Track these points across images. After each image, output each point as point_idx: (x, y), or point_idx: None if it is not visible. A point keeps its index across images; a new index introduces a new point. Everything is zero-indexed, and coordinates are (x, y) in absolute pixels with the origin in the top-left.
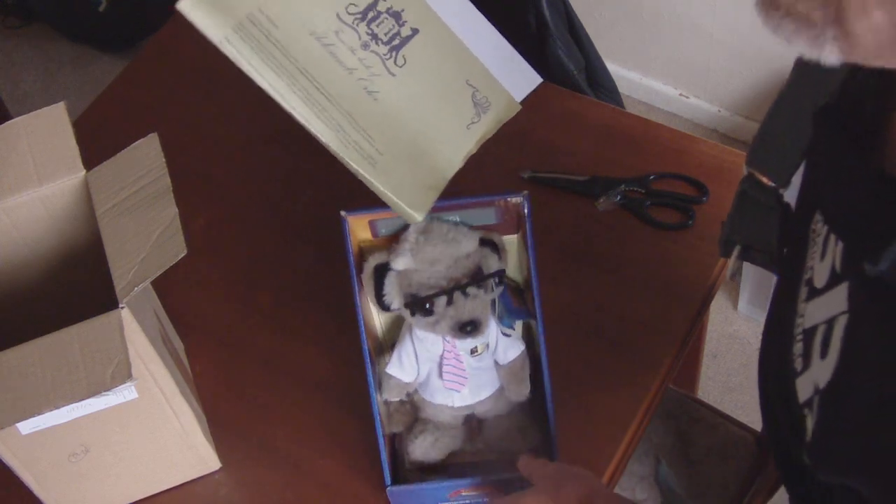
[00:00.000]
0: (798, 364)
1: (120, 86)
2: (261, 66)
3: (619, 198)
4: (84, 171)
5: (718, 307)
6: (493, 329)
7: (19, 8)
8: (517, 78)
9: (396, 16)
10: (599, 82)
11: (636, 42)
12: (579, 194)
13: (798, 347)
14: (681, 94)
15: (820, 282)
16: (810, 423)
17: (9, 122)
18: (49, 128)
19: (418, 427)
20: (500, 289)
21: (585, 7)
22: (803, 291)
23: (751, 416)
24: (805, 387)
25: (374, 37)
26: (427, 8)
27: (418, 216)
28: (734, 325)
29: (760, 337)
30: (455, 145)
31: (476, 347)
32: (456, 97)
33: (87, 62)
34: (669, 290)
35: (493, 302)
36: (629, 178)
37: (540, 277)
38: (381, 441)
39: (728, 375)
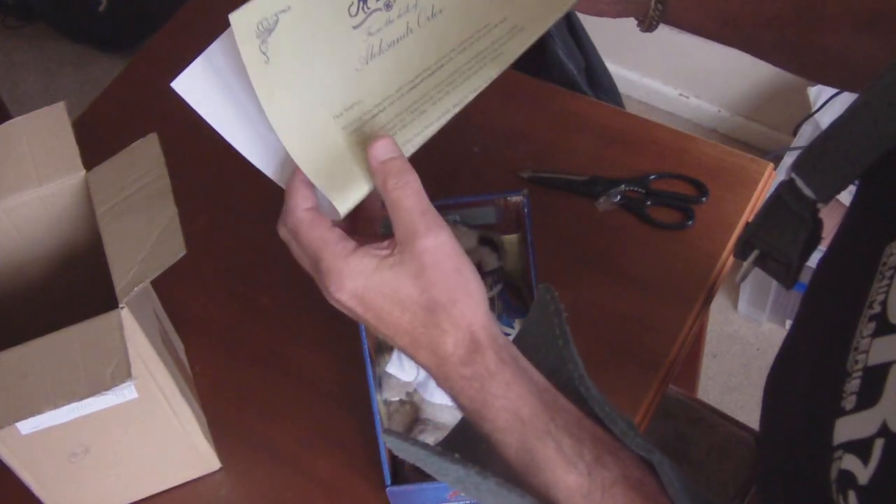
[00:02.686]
0: (849, 402)
1: (120, 86)
2: (421, 126)
3: (619, 198)
4: (84, 171)
5: (718, 307)
6: None
7: (19, 8)
8: None
9: None
10: (599, 82)
11: (636, 42)
12: (579, 194)
13: (854, 385)
14: (681, 94)
15: None
16: (853, 464)
17: (9, 122)
18: (49, 128)
19: (418, 427)
20: (499, 287)
21: None
22: (867, 327)
23: (751, 416)
24: (856, 427)
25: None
26: None
27: None
28: (734, 325)
29: (760, 337)
30: None
31: None
32: None
33: (87, 62)
34: (669, 290)
35: (493, 300)
36: (629, 178)
37: (539, 277)
38: (381, 441)
39: (728, 375)
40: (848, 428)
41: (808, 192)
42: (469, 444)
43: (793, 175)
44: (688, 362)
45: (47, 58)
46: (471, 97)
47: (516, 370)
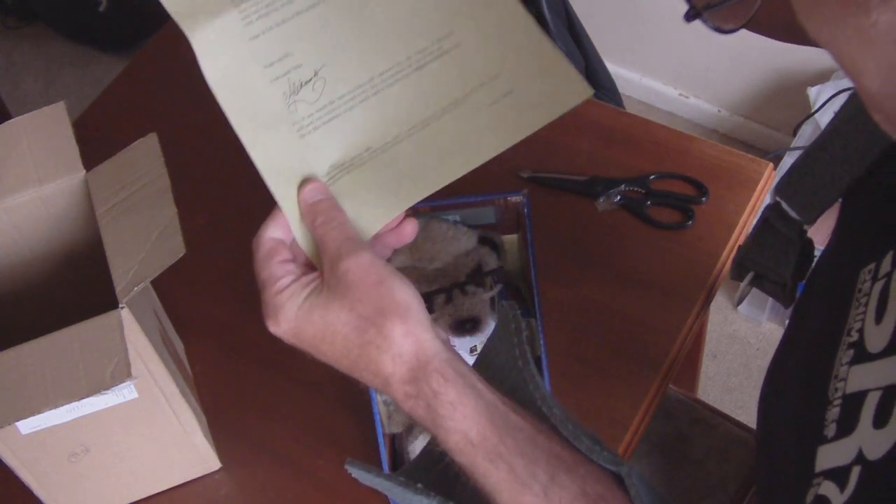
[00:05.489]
0: (830, 430)
1: (120, 86)
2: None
3: (619, 198)
4: (84, 171)
5: (718, 307)
6: (492, 327)
7: (19, 8)
8: None
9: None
10: (599, 82)
11: (636, 42)
12: (579, 194)
13: (834, 413)
14: (681, 94)
15: (875, 346)
16: (830, 491)
17: (9, 122)
18: (49, 128)
19: (418, 427)
20: (499, 287)
21: (585, 7)
22: (846, 354)
23: (751, 416)
24: (835, 455)
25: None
26: None
27: (587, 91)
28: (734, 325)
29: (760, 337)
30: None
31: (475, 346)
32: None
33: (87, 62)
34: (669, 290)
35: (493, 300)
36: (629, 178)
37: (539, 277)
38: (381, 441)
39: (728, 375)
40: (828, 456)
41: (793, 214)
42: (437, 465)
43: (777, 198)
44: (688, 362)
45: (47, 58)
46: None
47: (462, 388)
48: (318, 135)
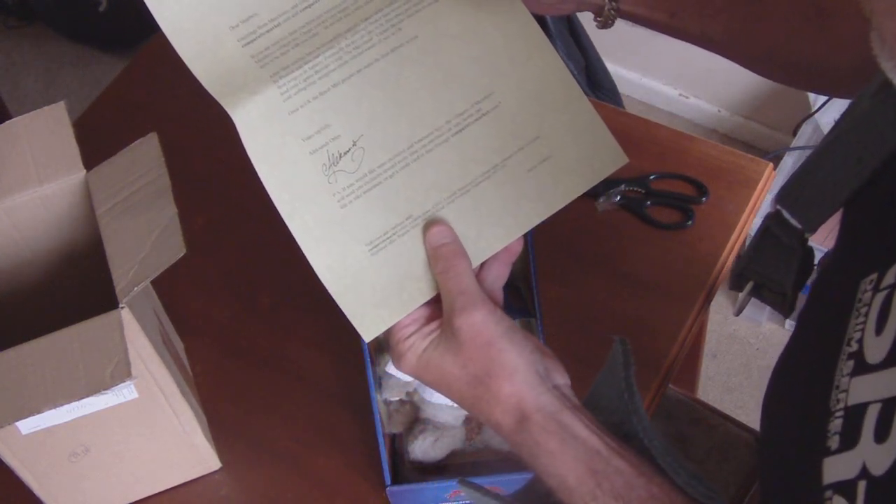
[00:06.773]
0: (833, 442)
1: (120, 86)
2: None
3: (619, 198)
4: (84, 171)
5: (718, 307)
6: None
7: (19, 8)
8: None
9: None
10: (599, 82)
11: (636, 42)
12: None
13: (836, 424)
14: (681, 95)
15: (874, 357)
16: None
17: (9, 121)
18: (49, 128)
19: (418, 427)
20: None
21: None
22: (846, 365)
23: (751, 416)
24: (841, 468)
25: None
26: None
27: (622, 158)
28: (734, 325)
29: (760, 337)
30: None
31: None
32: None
33: (87, 62)
34: (669, 290)
35: None
36: (629, 178)
37: (539, 276)
38: (381, 441)
39: (728, 375)
40: (834, 468)
41: (794, 222)
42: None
43: (778, 206)
44: (688, 362)
45: (47, 58)
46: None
47: (562, 439)
48: (358, 204)
